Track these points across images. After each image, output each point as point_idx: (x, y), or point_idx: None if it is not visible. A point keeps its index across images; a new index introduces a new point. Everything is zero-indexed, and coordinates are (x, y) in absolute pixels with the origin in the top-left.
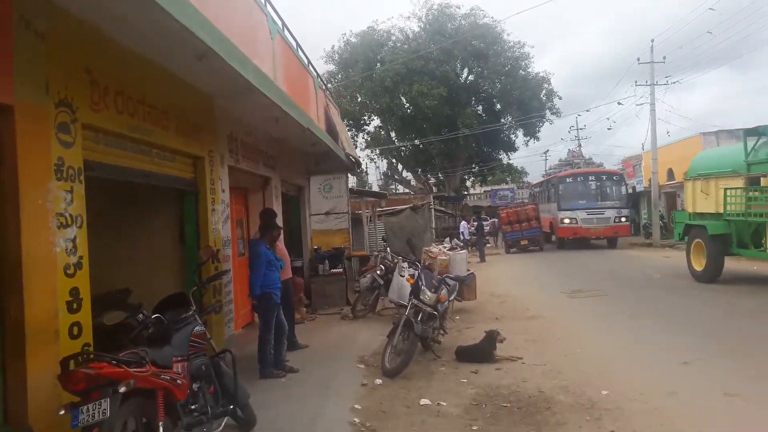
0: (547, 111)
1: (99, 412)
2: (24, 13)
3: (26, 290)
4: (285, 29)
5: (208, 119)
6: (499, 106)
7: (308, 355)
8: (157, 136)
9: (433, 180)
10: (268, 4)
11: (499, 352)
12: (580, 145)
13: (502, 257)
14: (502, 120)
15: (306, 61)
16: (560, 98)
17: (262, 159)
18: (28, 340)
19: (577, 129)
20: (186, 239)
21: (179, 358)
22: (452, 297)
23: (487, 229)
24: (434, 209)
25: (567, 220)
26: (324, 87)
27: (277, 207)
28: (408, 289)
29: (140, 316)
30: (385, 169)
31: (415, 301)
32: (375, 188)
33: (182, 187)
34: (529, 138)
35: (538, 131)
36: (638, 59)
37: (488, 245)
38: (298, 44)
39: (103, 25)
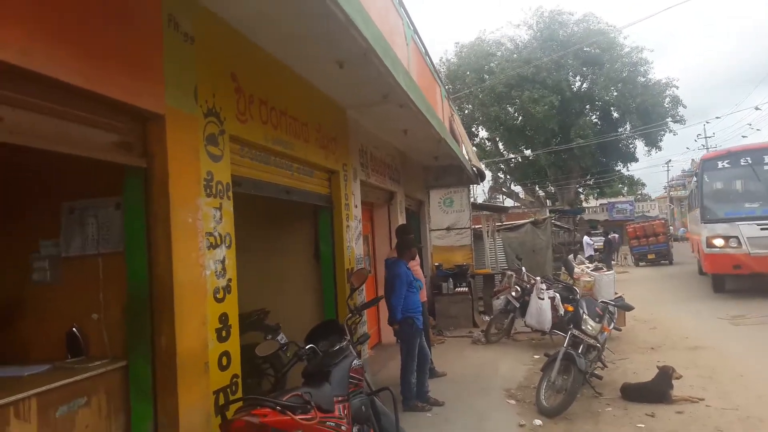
0: (669, 119)
1: None
2: (173, 12)
3: (177, 317)
4: (416, 34)
5: (342, 132)
6: (616, 115)
7: (448, 385)
8: (298, 149)
9: (542, 193)
10: (401, 7)
11: (675, 391)
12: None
13: (629, 273)
14: (621, 129)
15: (434, 69)
16: (684, 107)
17: (388, 173)
18: (180, 372)
19: (705, 137)
20: (321, 257)
21: (339, 398)
22: (611, 326)
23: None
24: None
25: (718, 242)
26: (449, 96)
27: (402, 221)
28: (548, 313)
29: (294, 347)
30: (491, 182)
31: (576, 332)
32: (479, 201)
33: (318, 203)
34: (650, 148)
35: (661, 140)
36: None
37: (613, 261)
38: (426, 50)
39: (246, 25)
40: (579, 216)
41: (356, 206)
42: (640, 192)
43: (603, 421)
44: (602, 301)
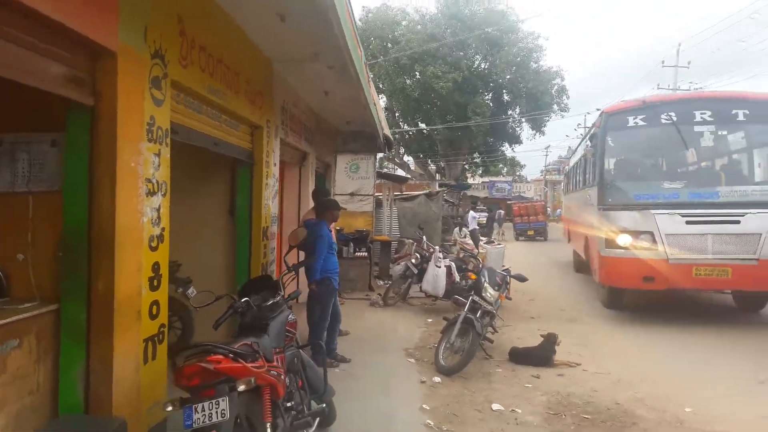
0: (555, 106)
1: (217, 412)
2: None
3: (117, 263)
4: None
5: (267, 87)
6: (507, 98)
7: (352, 344)
8: (230, 100)
9: (433, 167)
10: None
11: (557, 356)
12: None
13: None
14: (510, 111)
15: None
16: (568, 97)
17: (303, 133)
18: (116, 317)
19: (585, 127)
20: (237, 213)
21: (277, 350)
22: (506, 295)
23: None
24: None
25: (623, 240)
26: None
27: (312, 184)
28: (443, 280)
29: (230, 300)
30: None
31: (476, 298)
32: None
33: (240, 158)
34: (535, 132)
35: (545, 126)
36: (663, 62)
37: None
38: (351, 10)
39: None
40: (463, 191)
41: (275, 164)
42: (518, 173)
43: (495, 381)
44: (502, 271)
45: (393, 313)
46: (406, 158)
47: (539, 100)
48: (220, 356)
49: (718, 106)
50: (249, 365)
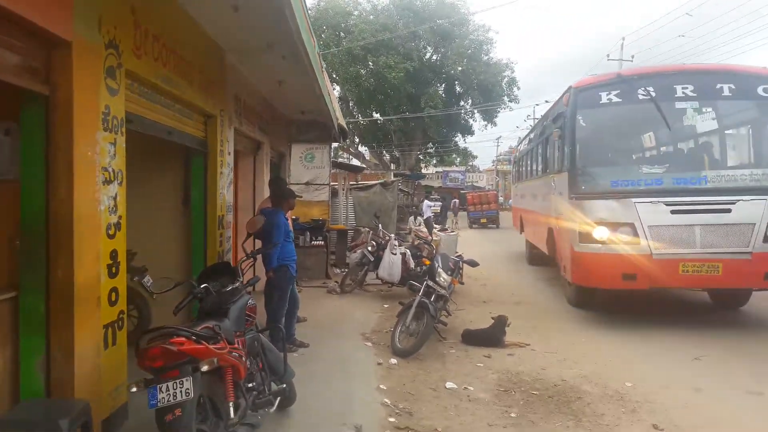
0: (505, 98)
1: (181, 391)
2: None
3: (76, 251)
4: None
5: (221, 76)
6: (460, 89)
7: (309, 330)
8: (183, 89)
9: (387, 157)
10: None
11: (507, 337)
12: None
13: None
14: (463, 103)
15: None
16: (518, 88)
17: (257, 122)
18: (76, 304)
19: (534, 119)
20: (192, 202)
21: (237, 333)
22: (459, 279)
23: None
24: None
25: (600, 233)
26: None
27: (267, 174)
28: (399, 267)
29: (190, 286)
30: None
31: (431, 283)
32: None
33: (195, 147)
34: (487, 123)
35: (496, 117)
36: (608, 55)
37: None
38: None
39: None
40: (418, 181)
41: (229, 153)
42: (471, 163)
43: (449, 361)
44: (456, 257)
45: (350, 299)
46: (361, 148)
47: (490, 91)
48: (183, 338)
49: (701, 80)
50: (211, 347)
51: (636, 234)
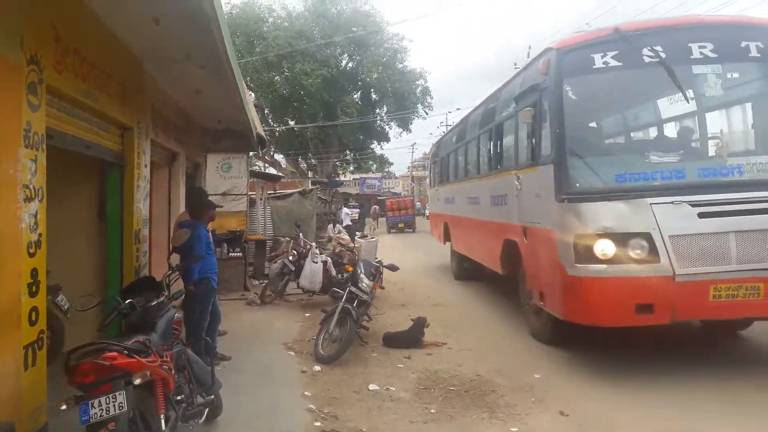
0: (419, 106)
1: (115, 405)
2: None
3: None
4: None
5: (139, 87)
6: (375, 96)
7: (230, 342)
8: (103, 103)
9: (304, 164)
10: None
11: (426, 338)
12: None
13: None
14: (378, 110)
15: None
16: (431, 98)
17: (173, 133)
18: None
19: (446, 126)
20: (108, 216)
21: (165, 347)
22: (380, 284)
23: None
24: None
25: (603, 248)
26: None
27: (182, 185)
28: (320, 275)
29: (114, 302)
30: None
31: (353, 289)
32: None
33: (111, 159)
34: (402, 130)
35: (411, 124)
36: (515, 64)
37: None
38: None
39: None
40: (335, 189)
41: (146, 165)
42: (387, 169)
43: (371, 365)
44: (376, 262)
45: (270, 310)
46: (277, 156)
47: (405, 99)
48: (115, 353)
49: (721, 37)
50: (143, 360)
51: (653, 248)
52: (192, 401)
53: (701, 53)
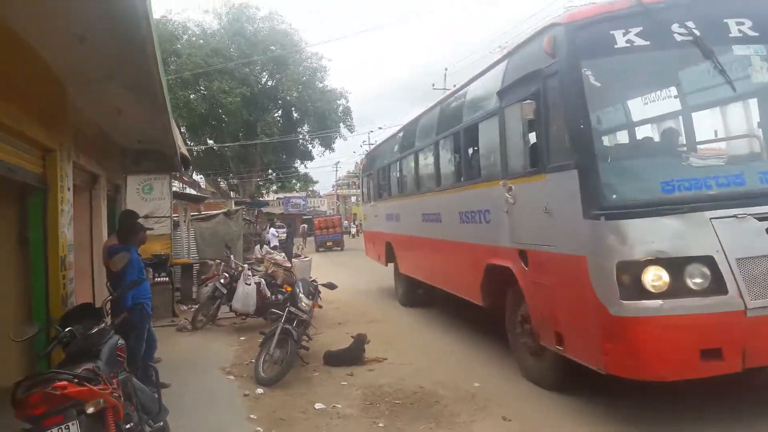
0: (341, 125)
1: None
2: None
3: None
4: None
5: (60, 107)
6: (297, 115)
7: (166, 370)
8: (24, 124)
9: (224, 184)
10: None
11: (366, 354)
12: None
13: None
14: (300, 129)
15: None
16: (352, 118)
17: (94, 155)
18: None
19: (369, 144)
20: (31, 243)
21: (111, 375)
22: (318, 303)
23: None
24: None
25: (658, 279)
26: None
27: (104, 209)
28: (254, 297)
29: (54, 331)
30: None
31: (293, 309)
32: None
33: (34, 183)
34: (325, 149)
35: (334, 143)
36: (433, 85)
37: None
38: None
39: None
40: (259, 209)
41: (69, 189)
42: (311, 188)
43: (314, 384)
44: (313, 281)
45: (203, 335)
46: (196, 176)
47: (327, 118)
48: (65, 382)
49: (760, 11)
50: (95, 388)
51: (717, 275)
52: (141, 429)
53: (740, 31)
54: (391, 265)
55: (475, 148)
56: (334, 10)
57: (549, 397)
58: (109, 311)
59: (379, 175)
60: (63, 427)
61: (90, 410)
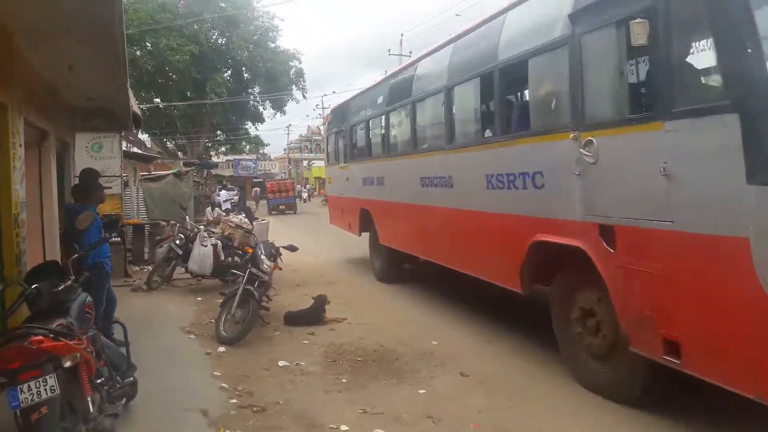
0: (294, 87)
1: (46, 389)
2: None
3: None
4: None
5: (9, 61)
6: (247, 75)
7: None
8: None
9: (171, 144)
10: None
11: (326, 314)
12: (324, 124)
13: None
14: (251, 90)
15: None
16: (304, 81)
17: (44, 110)
18: None
19: (322, 108)
20: None
21: (81, 330)
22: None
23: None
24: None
25: None
26: None
27: (54, 166)
28: (210, 259)
29: (19, 288)
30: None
31: (254, 270)
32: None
33: None
34: (276, 111)
35: (285, 105)
36: (389, 50)
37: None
38: None
39: None
40: (208, 171)
41: (20, 146)
42: (261, 151)
43: (276, 343)
44: (272, 243)
45: (159, 296)
46: (141, 135)
47: (278, 80)
48: (41, 336)
49: None
50: (71, 343)
51: None
52: (112, 383)
53: None
54: (360, 236)
55: (518, 94)
56: None
57: (502, 355)
58: (77, 269)
59: (352, 132)
60: (40, 380)
61: (67, 364)
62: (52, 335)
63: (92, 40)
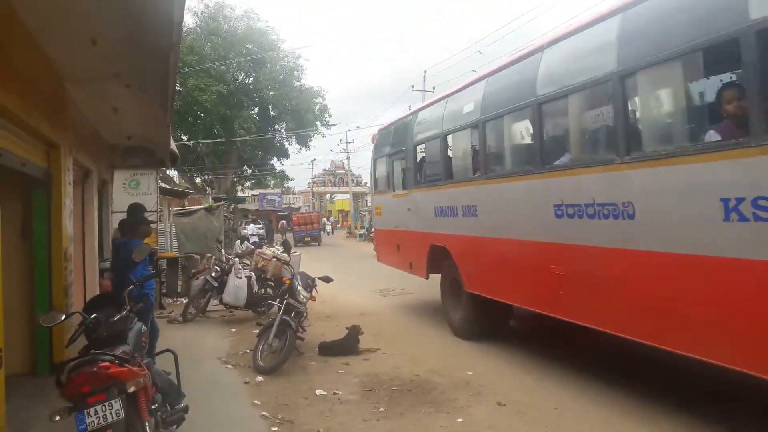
0: (318, 123)
1: (111, 413)
2: None
3: None
4: None
5: (62, 103)
6: (273, 113)
7: (165, 359)
8: (33, 118)
9: (199, 180)
10: None
11: (360, 345)
12: (348, 158)
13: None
14: (277, 126)
15: None
16: (330, 116)
17: (88, 150)
18: None
19: (346, 143)
20: (34, 236)
21: (139, 359)
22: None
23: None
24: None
25: None
26: None
27: (95, 203)
28: (244, 290)
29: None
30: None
31: (291, 300)
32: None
33: (38, 176)
34: (301, 147)
35: (310, 141)
36: (413, 86)
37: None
38: None
39: None
40: (235, 205)
41: (70, 183)
42: (286, 185)
43: (312, 372)
44: (308, 275)
45: (194, 327)
46: (169, 172)
47: (303, 117)
48: (108, 362)
49: None
50: (134, 369)
51: None
52: (165, 409)
53: None
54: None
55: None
56: (312, 7)
57: (537, 383)
58: (132, 299)
59: (416, 152)
60: (106, 404)
61: (131, 389)
62: (117, 361)
63: (137, 84)
